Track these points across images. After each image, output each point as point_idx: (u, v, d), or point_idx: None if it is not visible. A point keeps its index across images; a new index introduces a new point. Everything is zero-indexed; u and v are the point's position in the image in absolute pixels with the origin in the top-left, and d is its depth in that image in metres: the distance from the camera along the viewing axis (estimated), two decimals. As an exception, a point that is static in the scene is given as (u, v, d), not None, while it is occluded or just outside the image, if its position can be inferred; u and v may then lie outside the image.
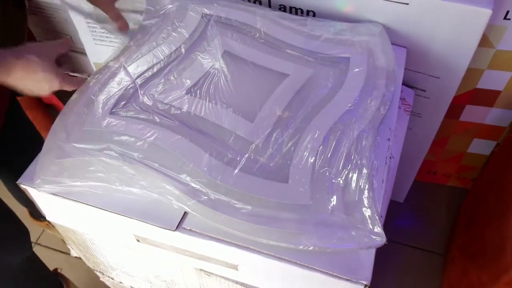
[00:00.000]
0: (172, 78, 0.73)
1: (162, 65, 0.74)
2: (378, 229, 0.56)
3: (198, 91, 0.71)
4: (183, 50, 0.76)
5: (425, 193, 1.35)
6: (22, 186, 0.66)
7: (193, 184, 0.60)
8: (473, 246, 1.01)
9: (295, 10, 0.88)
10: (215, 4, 0.82)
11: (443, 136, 1.16)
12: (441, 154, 1.25)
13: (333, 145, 0.64)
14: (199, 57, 0.75)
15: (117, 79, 0.72)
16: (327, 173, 0.61)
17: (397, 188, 1.22)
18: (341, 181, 0.60)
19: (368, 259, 0.58)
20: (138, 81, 0.72)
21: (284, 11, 0.88)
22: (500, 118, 1.09)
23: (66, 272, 1.19)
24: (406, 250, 1.25)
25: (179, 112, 0.69)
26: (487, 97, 1.04)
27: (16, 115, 0.94)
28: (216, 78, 0.73)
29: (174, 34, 0.78)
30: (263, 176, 0.61)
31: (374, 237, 0.56)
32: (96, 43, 1.11)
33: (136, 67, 0.73)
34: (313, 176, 0.61)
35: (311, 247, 0.55)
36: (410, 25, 0.82)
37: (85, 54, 1.16)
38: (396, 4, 0.79)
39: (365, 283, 0.55)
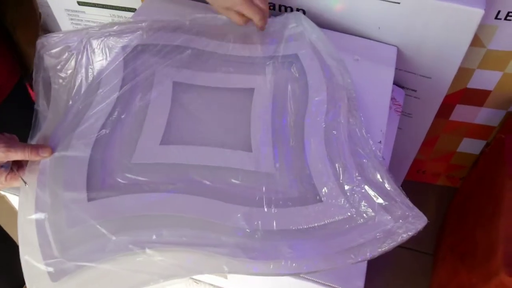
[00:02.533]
0: (132, 134, 0.62)
1: (112, 124, 0.62)
2: (416, 210, 0.56)
3: (173, 138, 0.62)
4: (117, 95, 0.64)
5: (414, 192, 1.32)
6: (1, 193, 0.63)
7: (234, 242, 0.52)
8: (462, 246, 1.00)
9: (284, 8, 0.86)
10: (131, 34, 0.71)
11: (432, 135, 1.16)
12: (430, 153, 1.25)
13: (334, 148, 0.61)
14: (150, 100, 0.65)
15: (69, 156, 0.58)
16: (349, 177, 0.59)
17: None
18: (363, 178, 0.59)
19: (359, 266, 0.56)
20: (96, 152, 0.59)
21: (273, 9, 0.86)
22: (490, 118, 1.09)
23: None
24: (394, 250, 1.23)
25: (166, 168, 0.59)
26: (477, 97, 1.04)
27: (23, 89, 0.90)
28: (182, 117, 0.65)
29: (103, 84, 0.65)
30: (296, 204, 0.57)
31: (417, 220, 0.55)
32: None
33: (80, 137, 0.59)
34: (340, 185, 0.58)
35: (377, 254, 0.53)
36: (401, 25, 0.81)
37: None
38: (387, 3, 0.78)
39: (357, 292, 0.54)
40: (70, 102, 0.63)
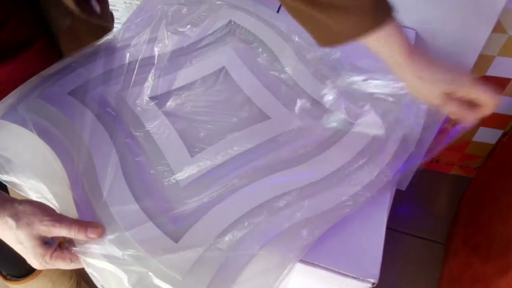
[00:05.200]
0: (159, 164, 0.59)
1: (130, 166, 0.58)
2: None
3: (198, 147, 0.61)
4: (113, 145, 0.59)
5: (427, 181, 1.33)
6: None
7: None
8: (477, 238, 0.98)
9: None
10: (244, 13, 0.73)
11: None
12: (445, 142, 1.23)
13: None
14: (145, 127, 0.62)
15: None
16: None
17: (400, 176, 1.20)
18: None
19: (375, 255, 0.55)
20: (143, 202, 0.54)
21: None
22: (509, 107, 1.06)
23: None
24: (406, 239, 1.23)
25: (219, 171, 0.58)
26: (496, 85, 0.99)
27: None
28: (188, 126, 0.63)
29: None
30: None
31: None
32: (91, 23, 1.07)
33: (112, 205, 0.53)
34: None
35: None
36: (420, 9, 0.78)
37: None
38: (407, -14, 0.76)
39: (372, 281, 0.53)
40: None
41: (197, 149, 0.60)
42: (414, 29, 0.81)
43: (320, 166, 0.59)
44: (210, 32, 0.72)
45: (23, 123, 0.56)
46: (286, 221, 0.53)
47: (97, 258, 0.49)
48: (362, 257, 0.54)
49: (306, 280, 0.56)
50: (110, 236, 0.50)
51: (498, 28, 0.87)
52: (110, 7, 1.07)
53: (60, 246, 0.50)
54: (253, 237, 0.51)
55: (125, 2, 1.06)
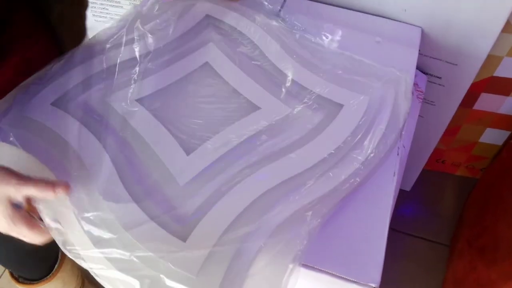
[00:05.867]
0: (154, 163, 0.59)
1: (123, 164, 0.57)
2: None
3: (192, 144, 0.60)
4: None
5: (432, 182, 1.32)
6: None
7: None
8: (483, 240, 0.97)
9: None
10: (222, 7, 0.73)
11: (454, 124, 1.12)
12: (451, 143, 1.21)
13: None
14: (135, 129, 0.61)
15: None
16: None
17: (405, 177, 1.18)
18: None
19: (377, 258, 0.54)
20: (136, 197, 0.54)
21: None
22: (516, 108, 1.04)
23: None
24: (410, 240, 1.22)
25: (219, 164, 0.58)
26: (504, 86, 0.99)
27: None
28: (178, 124, 0.62)
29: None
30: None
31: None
32: (96, 20, 1.06)
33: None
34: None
35: None
36: (428, 7, 0.77)
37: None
38: (414, -16, 0.74)
39: (373, 285, 0.52)
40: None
41: (191, 147, 0.60)
42: (420, 27, 0.80)
43: (316, 150, 0.59)
44: (188, 28, 0.72)
45: (7, 140, 0.56)
46: (290, 207, 0.53)
47: (104, 265, 0.48)
48: (363, 260, 0.54)
49: (306, 283, 0.56)
50: (114, 236, 0.49)
51: (508, 28, 0.86)
52: (114, 4, 1.07)
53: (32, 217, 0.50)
54: (261, 227, 0.51)
55: (129, -1, 1.05)
